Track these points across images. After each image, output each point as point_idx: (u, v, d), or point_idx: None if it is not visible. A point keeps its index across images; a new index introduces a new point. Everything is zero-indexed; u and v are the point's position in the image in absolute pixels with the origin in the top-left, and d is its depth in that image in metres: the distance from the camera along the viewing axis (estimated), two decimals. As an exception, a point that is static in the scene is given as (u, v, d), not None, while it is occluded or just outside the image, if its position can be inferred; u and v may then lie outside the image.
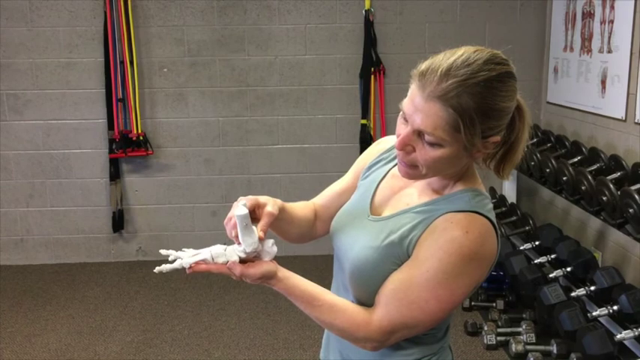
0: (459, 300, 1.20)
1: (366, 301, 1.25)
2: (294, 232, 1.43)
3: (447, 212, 1.20)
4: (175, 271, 1.23)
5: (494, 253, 1.21)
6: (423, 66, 1.15)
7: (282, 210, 1.33)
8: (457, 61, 1.12)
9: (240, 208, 1.19)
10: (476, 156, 1.20)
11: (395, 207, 1.30)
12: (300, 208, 1.46)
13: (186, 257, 1.21)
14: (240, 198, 1.24)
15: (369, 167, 1.43)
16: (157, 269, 1.20)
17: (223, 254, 1.19)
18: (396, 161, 1.36)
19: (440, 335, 1.32)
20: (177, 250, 1.23)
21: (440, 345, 1.33)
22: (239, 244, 1.19)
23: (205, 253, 1.20)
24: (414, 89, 1.16)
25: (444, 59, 1.13)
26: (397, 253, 1.23)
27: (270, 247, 1.22)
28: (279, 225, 1.36)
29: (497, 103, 1.13)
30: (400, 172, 1.25)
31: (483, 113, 1.12)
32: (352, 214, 1.37)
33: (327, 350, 1.46)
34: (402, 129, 1.18)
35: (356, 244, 1.29)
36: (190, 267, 1.20)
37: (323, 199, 1.51)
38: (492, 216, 1.22)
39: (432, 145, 1.15)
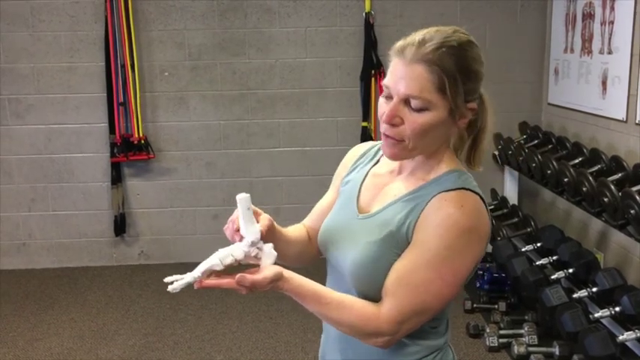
0: (462, 277, 1.22)
1: (373, 298, 1.25)
2: (292, 251, 1.43)
3: (438, 193, 1.22)
4: (176, 272, 1.22)
5: (488, 227, 1.24)
6: (399, 44, 1.22)
7: (278, 230, 1.35)
8: (429, 32, 1.21)
9: (240, 194, 1.19)
10: (459, 125, 1.24)
11: (383, 201, 1.32)
12: (293, 229, 1.48)
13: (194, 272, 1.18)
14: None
15: (348, 174, 1.44)
16: (170, 288, 1.17)
17: (229, 254, 1.19)
18: (374, 161, 1.40)
19: (442, 330, 1.32)
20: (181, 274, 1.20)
21: (444, 340, 1.33)
22: (238, 239, 1.20)
23: (212, 259, 1.19)
24: (394, 63, 1.21)
25: (416, 35, 1.21)
26: (397, 242, 1.24)
27: (270, 250, 1.22)
28: (278, 245, 1.35)
29: (472, 65, 1.21)
30: (386, 154, 1.27)
31: (463, 73, 1.19)
32: (340, 221, 1.37)
33: (324, 350, 1.45)
34: (384, 107, 1.22)
35: (353, 245, 1.29)
36: (200, 282, 1.18)
37: (311, 220, 1.51)
38: (480, 192, 1.25)
39: (419, 110, 1.19)
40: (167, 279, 1.19)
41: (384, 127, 1.23)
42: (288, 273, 1.22)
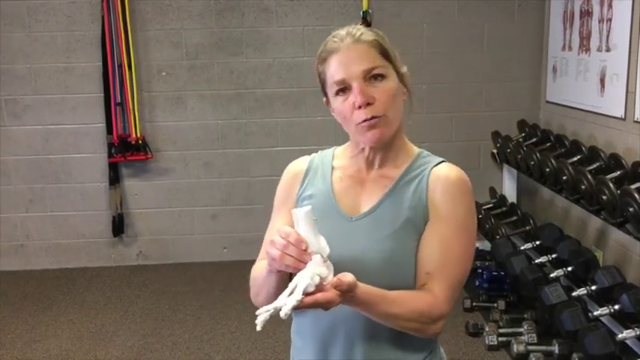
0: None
1: (400, 289, 1.23)
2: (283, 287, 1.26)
3: (430, 170, 1.30)
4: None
5: None
6: (327, 47, 1.29)
7: None
8: (347, 28, 1.30)
9: (302, 209, 1.13)
10: (405, 94, 1.33)
11: (371, 198, 1.32)
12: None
13: (284, 300, 1.10)
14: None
15: (303, 191, 1.41)
16: (282, 314, 1.10)
17: (314, 274, 1.09)
18: (329, 169, 1.38)
19: None
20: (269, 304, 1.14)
21: None
22: (309, 259, 1.10)
23: (303, 282, 1.08)
24: (334, 59, 1.27)
25: (339, 32, 1.30)
26: (415, 227, 1.27)
27: (329, 263, 1.13)
28: (282, 281, 1.23)
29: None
30: (372, 138, 1.27)
31: (389, 42, 1.32)
32: (327, 230, 1.22)
33: (325, 353, 1.35)
34: (348, 101, 1.25)
35: (364, 246, 1.27)
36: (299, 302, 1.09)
37: None
38: None
39: (381, 79, 1.26)
40: (258, 312, 1.13)
41: (361, 114, 1.25)
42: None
